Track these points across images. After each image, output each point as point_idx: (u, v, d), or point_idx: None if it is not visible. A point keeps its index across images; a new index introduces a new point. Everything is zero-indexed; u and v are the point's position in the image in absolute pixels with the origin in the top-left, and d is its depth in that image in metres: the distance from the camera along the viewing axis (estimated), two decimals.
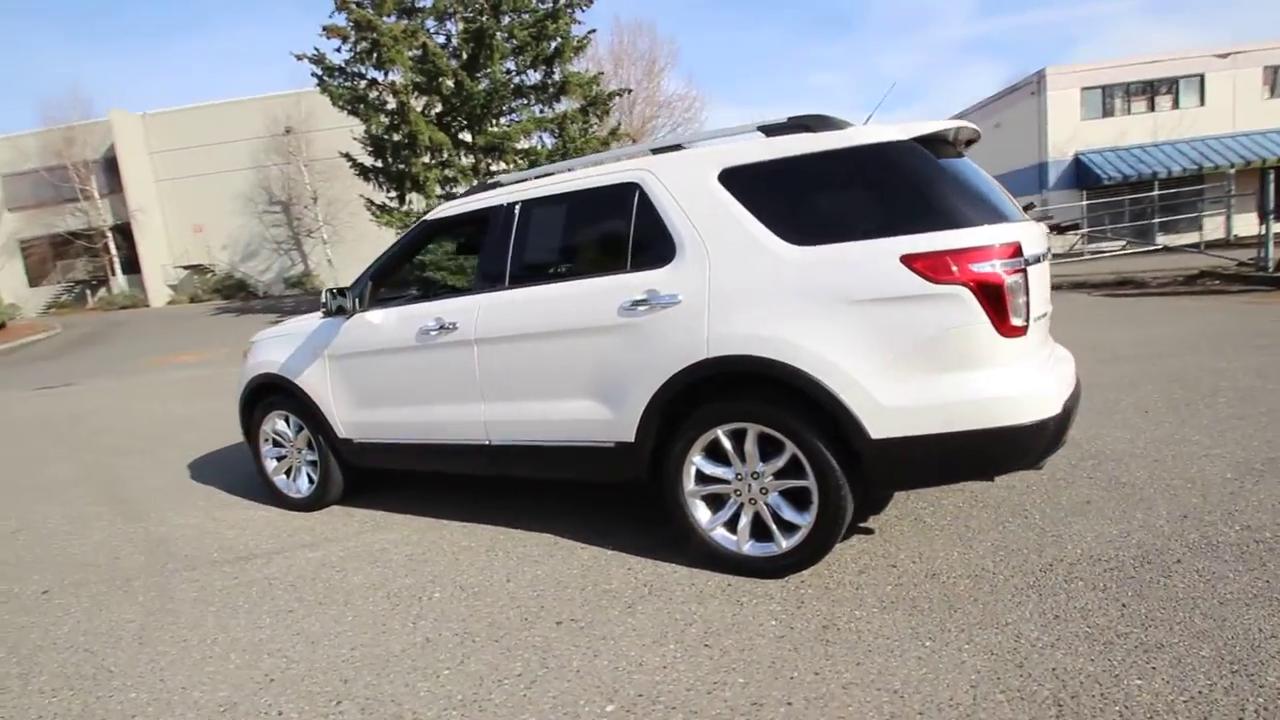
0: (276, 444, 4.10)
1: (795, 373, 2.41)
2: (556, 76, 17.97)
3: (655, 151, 2.94)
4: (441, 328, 3.20)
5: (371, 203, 17.48)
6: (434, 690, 2.15)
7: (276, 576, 3.13)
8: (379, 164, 17.70)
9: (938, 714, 1.83)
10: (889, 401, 2.33)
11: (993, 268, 2.24)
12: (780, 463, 2.55)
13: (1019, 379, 2.32)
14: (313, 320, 3.90)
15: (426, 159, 17.16)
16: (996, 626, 2.20)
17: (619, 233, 2.87)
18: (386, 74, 17.25)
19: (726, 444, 2.63)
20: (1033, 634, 2.15)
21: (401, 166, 17.23)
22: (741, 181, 2.63)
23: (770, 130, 2.72)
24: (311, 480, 3.98)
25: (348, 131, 20.64)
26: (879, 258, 2.34)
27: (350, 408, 3.63)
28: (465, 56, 16.97)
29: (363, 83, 17.43)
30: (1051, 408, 2.34)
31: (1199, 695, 1.81)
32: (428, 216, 3.54)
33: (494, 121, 17.59)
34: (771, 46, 62.66)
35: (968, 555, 2.70)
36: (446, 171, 17.87)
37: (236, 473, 5.03)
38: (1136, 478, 3.29)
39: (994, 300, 2.24)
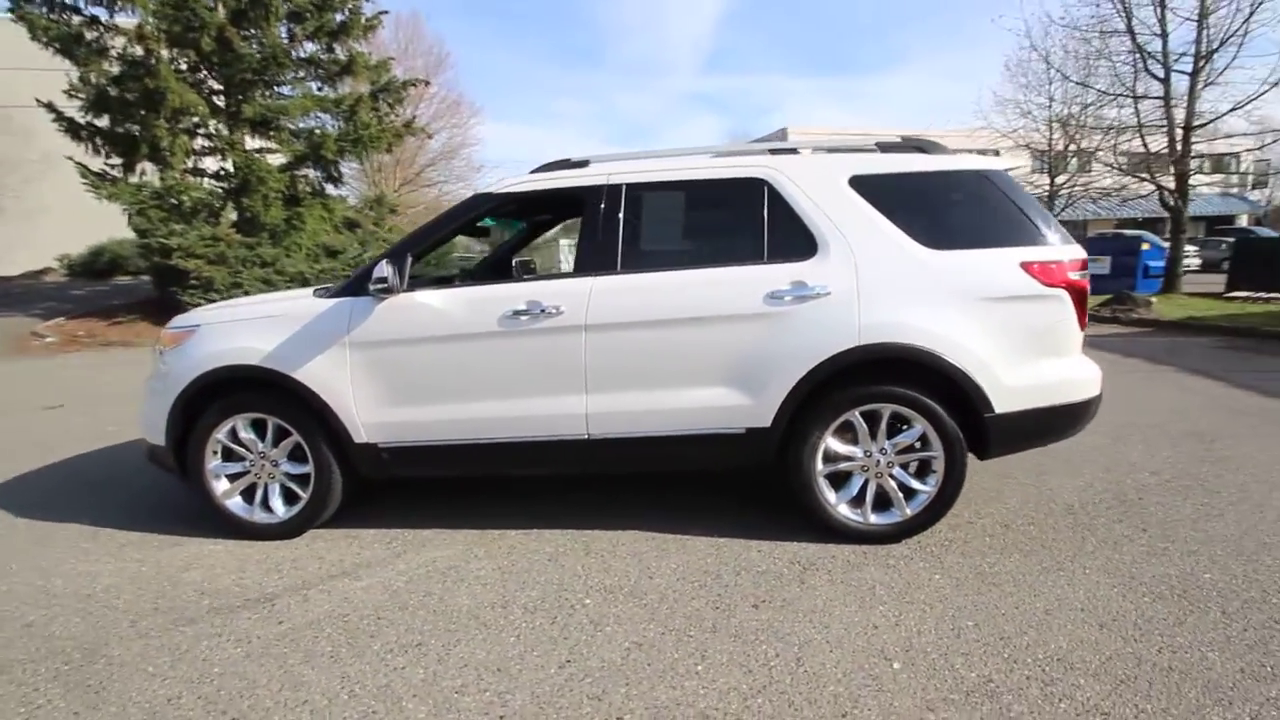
0: (230, 456, 3.22)
1: (938, 359, 2.77)
2: (340, 54, 16.21)
3: (774, 152, 3.09)
4: (541, 312, 2.91)
5: (88, 170, 13.74)
6: (706, 687, 2.03)
7: (340, 613, 2.53)
8: (98, 122, 14.05)
9: (1148, 624, 2.28)
10: (1010, 382, 2.82)
11: (1080, 275, 2.88)
12: (909, 438, 2.89)
13: (1086, 364, 3.00)
14: (309, 300, 3.19)
15: (169, 123, 14.12)
16: (1104, 555, 2.79)
17: (750, 225, 2.96)
18: (113, 13, 13.88)
19: (861, 424, 2.89)
20: (1129, 558, 2.77)
21: (134, 128, 13.91)
22: (871, 188, 2.93)
23: (886, 147, 3.07)
24: (293, 500, 3.21)
25: (18, 75, 15.93)
26: (1003, 263, 2.83)
27: (381, 406, 3.04)
28: (229, 11, 14.42)
29: (76, 18, 13.72)
30: (1099, 385, 3.06)
31: (1270, 568, 2.58)
32: (494, 189, 3.15)
33: (266, 92, 15.19)
34: (521, 70, 63.78)
35: (1008, 508, 3.33)
36: (198, 141, 14.96)
37: (109, 503, 3.77)
38: (1055, 448, 4.29)
39: (1080, 300, 2.88)
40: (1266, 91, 12.06)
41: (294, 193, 15.49)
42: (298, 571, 2.89)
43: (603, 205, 3.01)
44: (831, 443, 2.92)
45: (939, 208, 2.96)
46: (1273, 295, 12.37)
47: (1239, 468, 3.82)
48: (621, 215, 2.99)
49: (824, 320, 2.82)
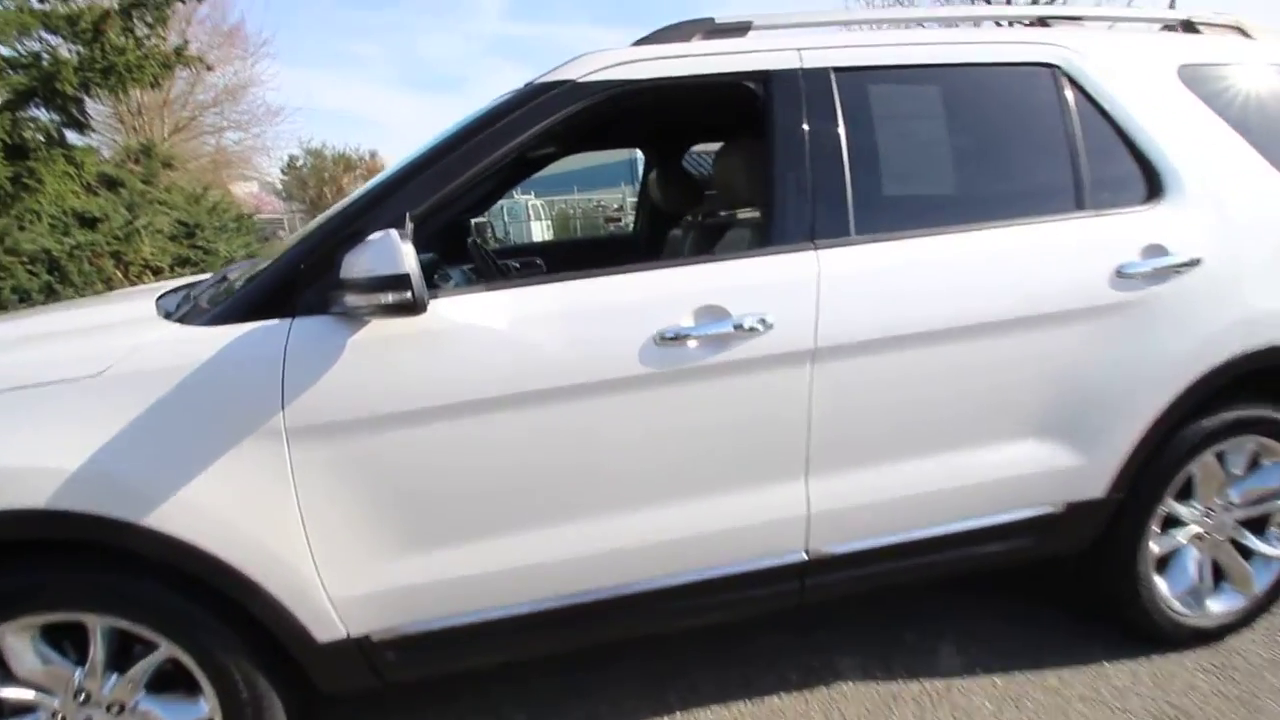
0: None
1: None
2: None
3: (1043, 22, 1.81)
4: (735, 329, 1.42)
5: None
6: None
7: None
8: None
9: None
10: None
11: None
12: (1267, 483, 1.87)
13: None
14: (161, 326, 1.40)
15: None
16: None
17: (1045, 144, 1.67)
18: None
19: (1216, 469, 1.81)
20: None
21: None
22: (1211, 87, 1.78)
23: (1193, 26, 1.92)
24: None
25: None
26: None
27: (381, 556, 1.39)
28: None
29: None
30: None
31: None
32: (573, 74, 1.50)
33: None
34: (303, 5, 54.97)
35: None
36: None
37: None
38: None
39: None
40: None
41: (20, 141, 11.33)
42: None
43: (803, 106, 1.55)
44: (1172, 506, 1.81)
45: None
46: None
47: None
48: (841, 126, 1.56)
49: (1194, 310, 1.65)
